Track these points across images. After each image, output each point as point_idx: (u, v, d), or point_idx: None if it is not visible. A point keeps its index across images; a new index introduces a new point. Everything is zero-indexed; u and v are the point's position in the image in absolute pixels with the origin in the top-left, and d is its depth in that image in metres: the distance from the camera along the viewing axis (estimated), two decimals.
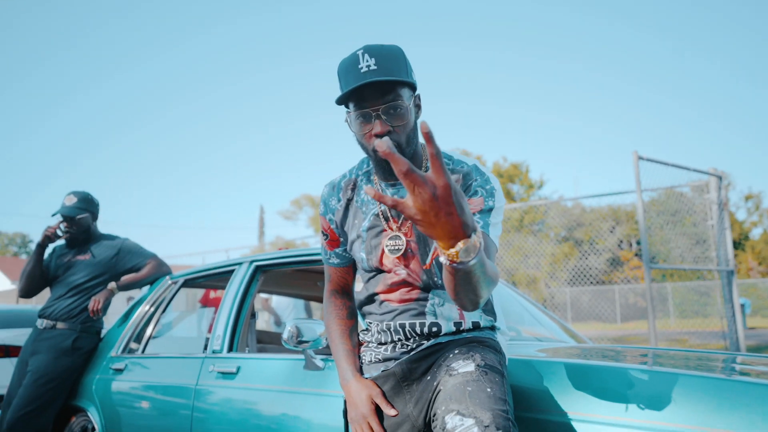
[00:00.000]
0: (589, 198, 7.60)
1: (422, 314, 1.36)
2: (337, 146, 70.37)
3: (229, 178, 78.54)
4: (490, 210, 1.29)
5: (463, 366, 1.24)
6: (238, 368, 2.13)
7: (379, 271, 1.40)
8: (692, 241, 6.23)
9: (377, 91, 1.27)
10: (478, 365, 1.23)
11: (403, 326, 1.37)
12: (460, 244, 0.95)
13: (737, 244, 38.54)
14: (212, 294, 4.75)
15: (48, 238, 2.95)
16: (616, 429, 1.22)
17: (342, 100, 1.31)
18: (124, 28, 67.10)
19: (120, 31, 67.12)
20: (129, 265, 3.08)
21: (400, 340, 1.38)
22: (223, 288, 3.34)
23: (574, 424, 1.27)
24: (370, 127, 1.29)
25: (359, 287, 1.49)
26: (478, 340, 1.34)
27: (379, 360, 1.42)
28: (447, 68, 59.68)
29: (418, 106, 1.36)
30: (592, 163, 59.72)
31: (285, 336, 1.80)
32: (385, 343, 1.41)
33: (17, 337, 5.68)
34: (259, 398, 1.99)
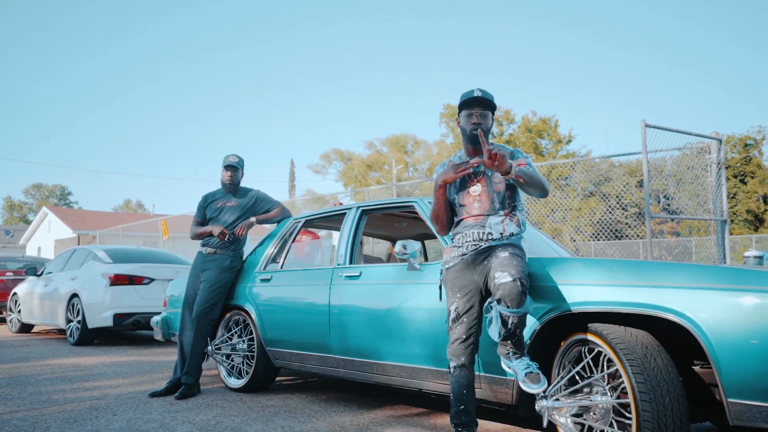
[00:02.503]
0: (599, 158, 8.52)
1: (483, 227, 2.61)
2: (366, 103, 70.55)
3: (260, 132, 79.82)
4: (529, 164, 2.60)
5: (503, 253, 2.46)
6: (360, 272, 3.39)
7: (461, 206, 2.67)
8: (696, 196, 7.22)
9: (479, 103, 2.60)
10: (510, 252, 2.45)
11: (473, 233, 2.61)
12: (510, 172, 2.40)
13: None
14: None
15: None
16: (577, 286, 2.40)
17: (462, 106, 2.67)
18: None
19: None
20: (263, 210, 4.35)
21: (469, 241, 2.61)
22: (329, 228, 4.60)
23: (555, 286, 2.48)
24: (473, 119, 2.61)
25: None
26: (511, 244, 2.55)
27: (459, 255, 2.64)
28: (476, 23, 58.90)
29: (493, 120, 2.68)
30: (622, 116, 59.07)
31: (396, 249, 3.02)
32: (462, 245, 2.63)
33: (137, 269, 7.14)
34: (377, 289, 3.25)
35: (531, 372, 2.37)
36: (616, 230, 11.70)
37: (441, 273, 2.73)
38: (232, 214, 4.29)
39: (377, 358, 3.22)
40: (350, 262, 3.55)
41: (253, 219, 4.27)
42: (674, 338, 2.36)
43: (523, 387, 2.37)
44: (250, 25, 71.14)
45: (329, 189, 60.03)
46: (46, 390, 4.19)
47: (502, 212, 2.62)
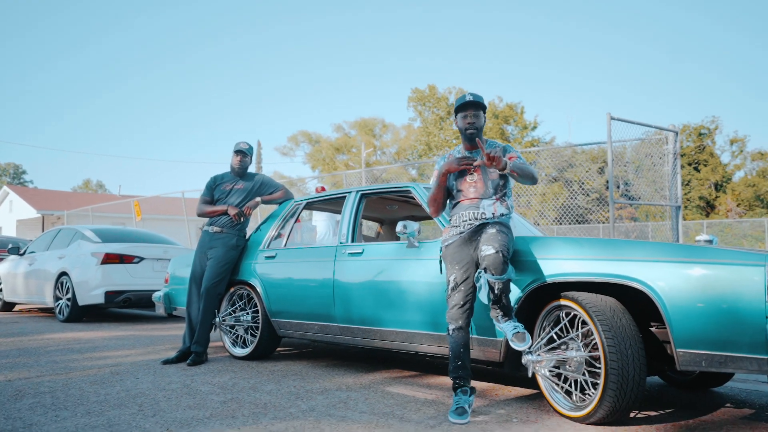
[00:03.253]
0: (565, 145, 9.06)
1: (477, 208, 3.03)
2: (335, 85, 70.23)
3: (226, 112, 78.68)
4: (519, 157, 3.02)
5: (491, 229, 2.90)
6: (363, 250, 3.79)
7: (459, 191, 3.10)
8: (655, 183, 7.83)
9: (471, 106, 3.03)
10: (497, 229, 2.89)
11: (468, 213, 3.03)
12: (506, 168, 2.82)
13: (719, 187, 40.36)
14: None
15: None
16: (556, 261, 2.86)
17: (458, 110, 3.09)
18: None
19: None
20: (267, 192, 4.68)
21: (466, 220, 3.03)
22: (329, 211, 4.96)
23: (537, 261, 2.93)
24: (468, 120, 3.06)
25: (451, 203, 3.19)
26: (500, 223, 2.99)
27: (456, 233, 3.05)
28: (444, 8, 59.14)
29: (485, 117, 3.09)
30: (586, 102, 60.56)
31: (398, 229, 3.42)
32: (459, 225, 3.05)
33: (126, 248, 7.38)
34: (379, 265, 3.65)
35: (518, 332, 2.83)
36: (578, 215, 12.26)
37: (441, 249, 3.15)
38: (239, 195, 4.60)
39: (379, 326, 3.63)
40: (352, 241, 3.94)
41: (258, 199, 4.59)
42: (635, 304, 2.84)
43: (512, 345, 2.82)
44: (219, 10, 69.75)
45: (297, 171, 60.00)
46: (60, 359, 4.47)
47: (494, 197, 3.06)
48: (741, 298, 2.38)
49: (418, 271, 3.44)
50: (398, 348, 3.61)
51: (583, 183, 12.71)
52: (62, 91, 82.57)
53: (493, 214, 3.04)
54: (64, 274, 7.45)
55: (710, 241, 3.99)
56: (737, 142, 41.68)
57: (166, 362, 4.29)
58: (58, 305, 7.50)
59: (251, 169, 4.82)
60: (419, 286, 3.41)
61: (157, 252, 7.51)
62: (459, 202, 3.12)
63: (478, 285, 2.93)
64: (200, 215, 4.66)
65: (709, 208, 38.88)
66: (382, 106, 74.94)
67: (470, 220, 3.04)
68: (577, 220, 12.12)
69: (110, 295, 7.07)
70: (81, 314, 7.34)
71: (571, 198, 11.63)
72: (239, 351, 4.51)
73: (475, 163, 3.00)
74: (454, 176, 3.15)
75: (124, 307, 7.49)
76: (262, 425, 2.71)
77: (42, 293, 7.91)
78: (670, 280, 2.54)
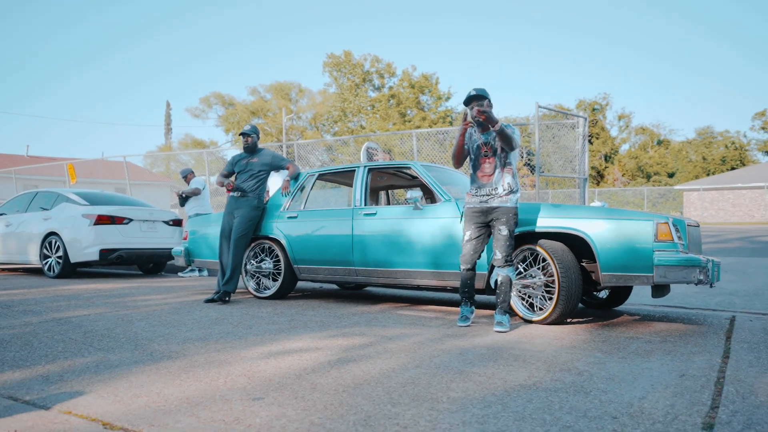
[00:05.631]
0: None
1: (492, 185, 4.21)
2: (249, 47, 68.50)
3: (132, 69, 74.42)
4: (513, 131, 4.17)
5: (505, 213, 4.15)
6: (376, 212, 5.04)
7: (477, 166, 4.28)
8: (567, 159, 9.59)
9: (475, 99, 4.16)
10: (508, 233, 4.12)
11: (486, 189, 4.20)
12: (497, 124, 3.99)
13: (608, 158, 44.71)
14: None
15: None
16: (524, 218, 4.29)
17: (465, 103, 4.19)
18: None
19: None
20: (278, 164, 5.78)
21: (484, 193, 4.22)
22: (338, 183, 6.13)
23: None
24: (475, 109, 4.14)
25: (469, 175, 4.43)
26: (511, 211, 4.19)
27: (478, 201, 4.26)
28: None
29: (490, 105, 4.22)
30: (495, 76, 63.63)
31: (407, 196, 4.70)
32: (478, 195, 4.30)
33: (117, 210, 8.15)
34: (391, 223, 4.93)
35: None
36: None
37: (461, 208, 4.45)
38: (256, 167, 5.68)
39: (389, 267, 4.93)
40: (364, 204, 5.18)
41: (288, 178, 5.69)
42: (573, 247, 4.32)
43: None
44: None
45: (209, 134, 58.66)
46: (112, 302, 5.38)
47: (501, 168, 4.16)
48: (639, 239, 3.92)
49: (422, 226, 4.76)
50: (403, 283, 4.94)
51: None
52: None
53: (503, 187, 4.22)
54: (52, 234, 8.04)
55: (602, 207, 5.47)
56: (624, 117, 46.17)
57: (208, 301, 5.35)
58: (47, 263, 8.09)
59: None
60: (424, 237, 4.74)
61: (144, 214, 8.28)
62: (478, 177, 4.24)
63: (493, 275, 4.25)
64: (217, 185, 5.75)
65: (599, 177, 43.11)
66: (298, 70, 74.36)
67: (488, 193, 4.23)
68: None
69: (104, 253, 7.81)
70: (71, 271, 8.01)
71: None
72: (264, 292, 5.64)
73: (468, 117, 4.01)
74: (472, 154, 4.27)
75: (116, 264, 8.21)
76: (333, 330, 3.95)
77: (25, 253, 8.42)
78: (599, 230, 4.04)
